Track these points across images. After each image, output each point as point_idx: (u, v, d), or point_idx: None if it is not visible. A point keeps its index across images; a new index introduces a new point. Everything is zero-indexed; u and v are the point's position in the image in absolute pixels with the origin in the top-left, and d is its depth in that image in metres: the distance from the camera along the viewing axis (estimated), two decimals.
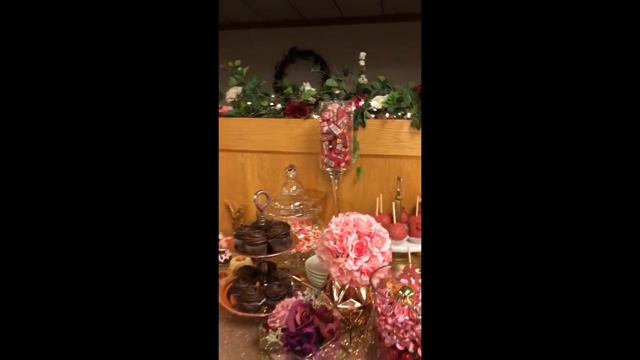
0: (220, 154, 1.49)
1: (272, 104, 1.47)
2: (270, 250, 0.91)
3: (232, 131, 1.47)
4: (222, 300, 0.95)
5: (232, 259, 1.17)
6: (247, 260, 1.15)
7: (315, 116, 1.40)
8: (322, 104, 1.23)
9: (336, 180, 1.29)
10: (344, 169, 1.26)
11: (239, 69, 1.53)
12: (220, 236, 1.41)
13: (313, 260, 1.07)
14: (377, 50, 3.26)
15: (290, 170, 1.19)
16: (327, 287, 0.91)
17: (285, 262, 1.21)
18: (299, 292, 0.81)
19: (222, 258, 1.24)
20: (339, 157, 1.22)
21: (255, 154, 1.48)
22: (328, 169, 1.26)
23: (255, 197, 0.94)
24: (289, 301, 0.79)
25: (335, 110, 1.19)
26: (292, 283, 0.95)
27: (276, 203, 1.20)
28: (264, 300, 0.90)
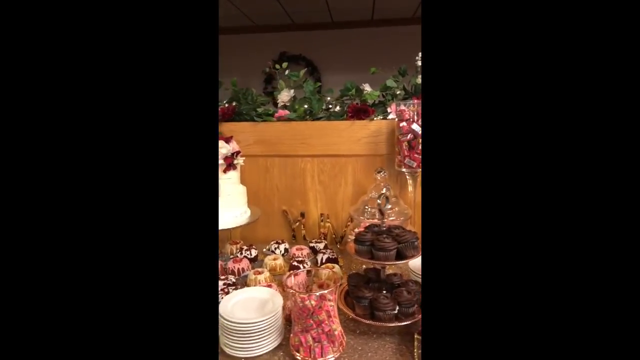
0: (279, 160, 1.44)
1: (330, 106, 1.44)
2: (400, 256, 0.88)
3: (293, 136, 1.41)
4: (345, 309, 0.90)
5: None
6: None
7: (376, 118, 1.38)
8: (399, 104, 1.22)
9: (411, 181, 1.27)
10: (419, 170, 1.25)
11: (286, 72, 1.48)
12: (286, 245, 1.35)
13: (417, 262, 1.04)
14: (367, 55, 3.32)
15: (379, 172, 1.16)
16: None
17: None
18: None
19: (304, 267, 1.18)
20: (420, 156, 1.21)
21: (316, 159, 1.43)
22: (404, 170, 1.24)
23: (379, 201, 0.90)
24: None
25: (416, 109, 1.18)
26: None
27: (367, 207, 1.16)
28: (397, 308, 0.86)
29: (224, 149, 1.14)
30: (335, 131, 1.39)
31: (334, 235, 1.41)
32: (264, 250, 1.37)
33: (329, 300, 0.78)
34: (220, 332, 0.82)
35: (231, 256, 1.33)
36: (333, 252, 1.26)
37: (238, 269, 1.18)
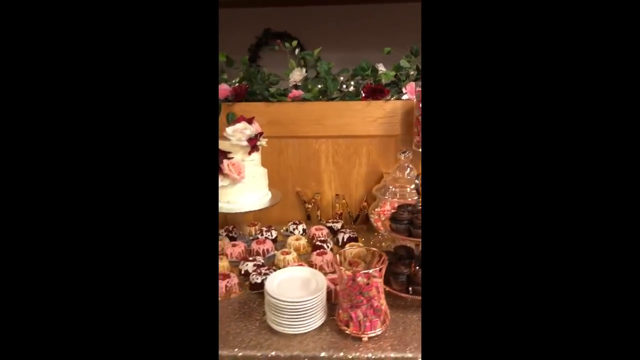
0: (294, 142, 1.43)
1: (344, 86, 1.43)
2: None
3: (307, 116, 1.40)
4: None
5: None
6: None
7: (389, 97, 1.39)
8: (418, 84, 1.23)
9: None
10: None
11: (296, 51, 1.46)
12: (304, 226, 1.36)
13: None
14: (357, 33, 3.27)
15: (403, 153, 1.18)
16: None
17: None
18: None
19: (327, 247, 1.20)
20: None
21: (331, 139, 1.43)
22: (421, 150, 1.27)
23: (416, 181, 0.93)
24: None
25: None
26: None
27: (390, 187, 1.19)
28: None
29: (247, 130, 1.13)
30: (351, 112, 1.39)
31: (349, 215, 1.44)
32: (282, 231, 1.38)
33: (376, 277, 0.81)
34: (268, 310, 0.84)
35: (251, 237, 1.33)
36: (353, 231, 1.29)
37: (263, 250, 1.19)
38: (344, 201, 1.45)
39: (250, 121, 1.15)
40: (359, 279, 0.79)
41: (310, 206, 1.48)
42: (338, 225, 1.37)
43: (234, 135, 1.12)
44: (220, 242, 1.24)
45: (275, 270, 1.02)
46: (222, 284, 0.98)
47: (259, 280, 1.00)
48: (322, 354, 0.77)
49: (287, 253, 1.13)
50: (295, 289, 0.87)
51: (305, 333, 0.82)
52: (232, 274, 1.02)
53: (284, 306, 0.80)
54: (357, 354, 0.77)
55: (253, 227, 1.36)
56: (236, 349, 0.79)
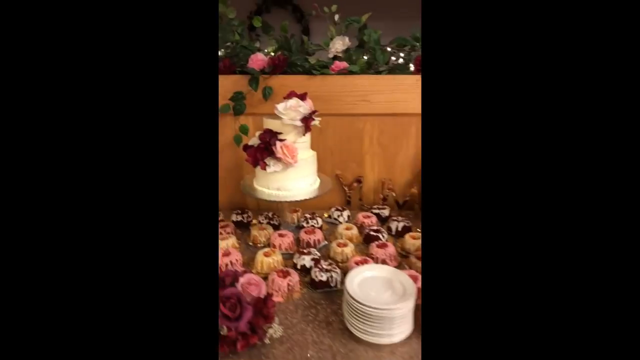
0: (334, 120, 1.30)
1: (393, 58, 1.29)
2: None
3: (352, 92, 1.27)
4: None
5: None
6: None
7: None
8: None
9: None
10: None
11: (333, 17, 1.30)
12: (348, 212, 1.26)
13: None
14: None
15: None
16: None
17: None
18: None
19: (383, 237, 1.10)
20: None
21: (377, 118, 1.31)
22: None
23: None
24: None
25: None
26: None
27: None
28: None
29: (301, 107, 0.99)
30: (402, 87, 1.26)
31: (396, 202, 1.34)
32: (325, 217, 1.27)
33: None
34: (350, 316, 0.74)
35: (293, 225, 1.22)
36: (406, 219, 1.19)
37: (314, 240, 1.08)
38: (390, 185, 1.34)
39: (303, 97, 1.01)
40: None
41: (351, 190, 1.37)
42: (386, 212, 1.27)
43: (287, 113, 0.98)
44: (264, 232, 1.12)
45: (333, 264, 0.92)
46: (283, 283, 0.87)
47: (323, 278, 0.89)
48: None
49: (344, 245, 1.03)
50: (380, 291, 0.77)
51: (395, 342, 0.73)
52: (291, 270, 0.91)
53: (375, 314, 0.70)
54: None
55: (295, 214, 1.24)
56: None
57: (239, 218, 1.23)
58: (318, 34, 2.86)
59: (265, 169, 0.99)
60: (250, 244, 1.12)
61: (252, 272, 0.93)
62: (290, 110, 0.98)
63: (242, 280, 0.74)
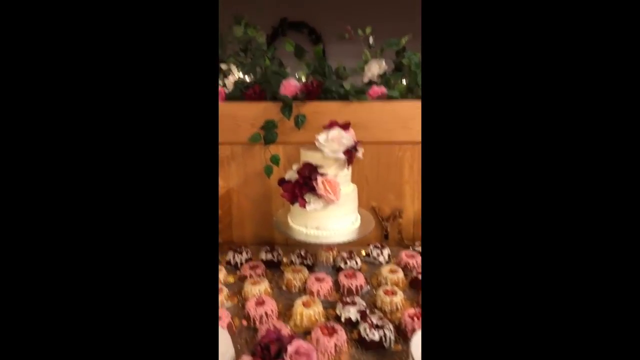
0: (371, 148, 1.19)
1: None
2: None
3: (392, 118, 1.17)
4: None
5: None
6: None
7: None
8: None
9: None
10: None
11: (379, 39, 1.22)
12: (389, 251, 1.14)
13: None
14: (377, 23, 3.03)
15: None
16: None
17: None
18: None
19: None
20: None
21: (418, 146, 1.20)
22: None
23: None
24: None
25: None
26: None
27: None
28: None
29: (344, 138, 0.89)
30: None
31: None
32: (363, 257, 1.16)
33: None
34: None
35: (328, 265, 1.10)
36: None
37: (356, 286, 0.96)
38: None
39: (345, 127, 0.91)
40: None
41: (389, 223, 1.25)
42: None
43: (328, 145, 0.88)
44: (298, 275, 1.00)
45: (383, 318, 0.80)
46: (330, 343, 0.75)
47: (375, 337, 0.77)
48: None
49: (392, 293, 0.90)
50: None
51: None
52: (337, 326, 0.79)
53: None
54: None
55: (330, 252, 1.13)
56: None
57: (269, 256, 1.12)
58: (334, 56, 2.83)
59: (304, 207, 0.88)
60: (284, 288, 1.00)
61: (295, 334, 0.82)
62: (333, 142, 0.88)
63: (290, 349, 0.63)
